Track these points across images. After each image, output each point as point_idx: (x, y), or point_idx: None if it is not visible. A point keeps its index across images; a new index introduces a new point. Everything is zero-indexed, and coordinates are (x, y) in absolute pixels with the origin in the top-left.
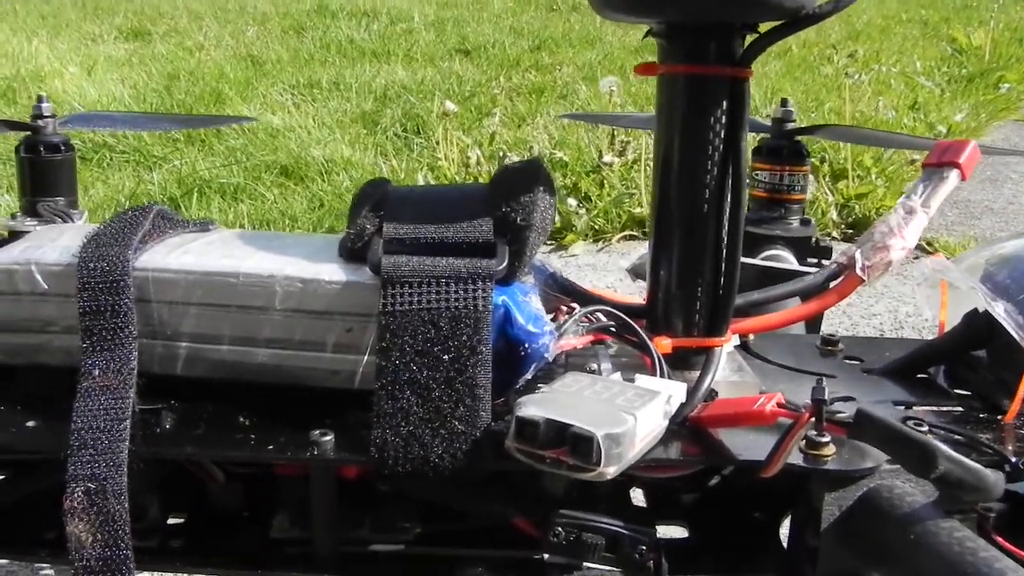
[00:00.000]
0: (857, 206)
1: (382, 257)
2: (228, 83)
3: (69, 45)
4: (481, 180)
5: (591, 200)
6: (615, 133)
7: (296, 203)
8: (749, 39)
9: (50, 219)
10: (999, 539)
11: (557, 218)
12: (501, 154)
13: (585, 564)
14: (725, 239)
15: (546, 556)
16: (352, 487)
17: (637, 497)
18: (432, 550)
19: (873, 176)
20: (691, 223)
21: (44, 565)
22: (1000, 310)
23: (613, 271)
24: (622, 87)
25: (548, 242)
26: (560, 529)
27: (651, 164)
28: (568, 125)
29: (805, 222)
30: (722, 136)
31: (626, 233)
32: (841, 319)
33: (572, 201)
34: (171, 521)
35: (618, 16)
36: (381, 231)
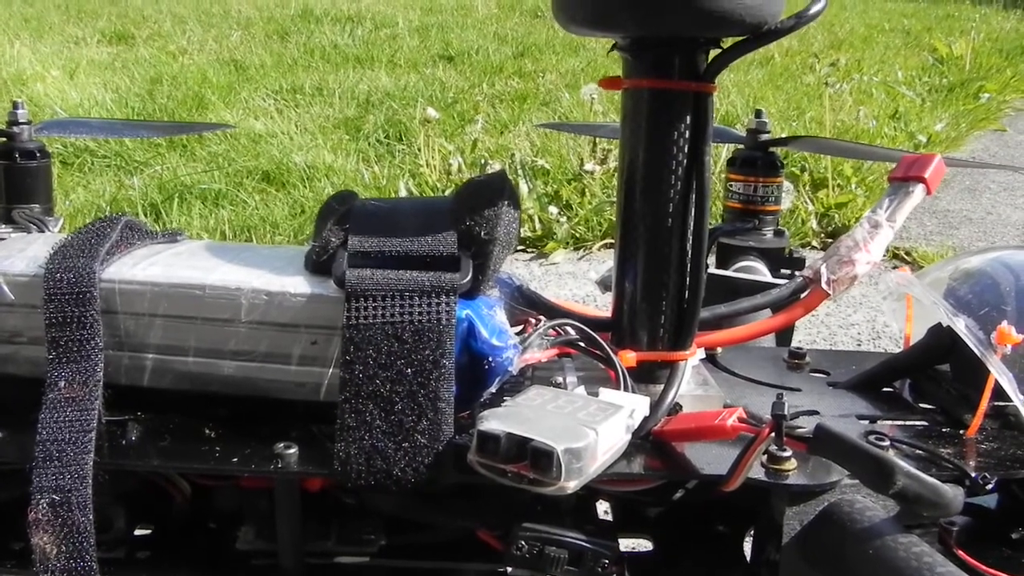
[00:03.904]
0: (837, 215)
1: (346, 270)
2: (211, 88)
3: (52, 48)
4: None
5: (572, 208)
6: (596, 141)
7: (277, 209)
8: (712, 54)
9: (25, 226)
10: (961, 553)
11: (538, 226)
12: (483, 161)
13: None
14: (689, 253)
15: (509, 569)
16: (317, 499)
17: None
18: (397, 563)
19: (853, 185)
20: (655, 237)
21: None
22: (961, 325)
23: (594, 280)
24: (603, 95)
25: (529, 250)
26: (523, 542)
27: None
28: (550, 133)
29: (779, 233)
30: (686, 150)
31: (607, 241)
32: (819, 329)
33: (553, 209)
34: (137, 532)
35: (582, 31)
36: (346, 244)
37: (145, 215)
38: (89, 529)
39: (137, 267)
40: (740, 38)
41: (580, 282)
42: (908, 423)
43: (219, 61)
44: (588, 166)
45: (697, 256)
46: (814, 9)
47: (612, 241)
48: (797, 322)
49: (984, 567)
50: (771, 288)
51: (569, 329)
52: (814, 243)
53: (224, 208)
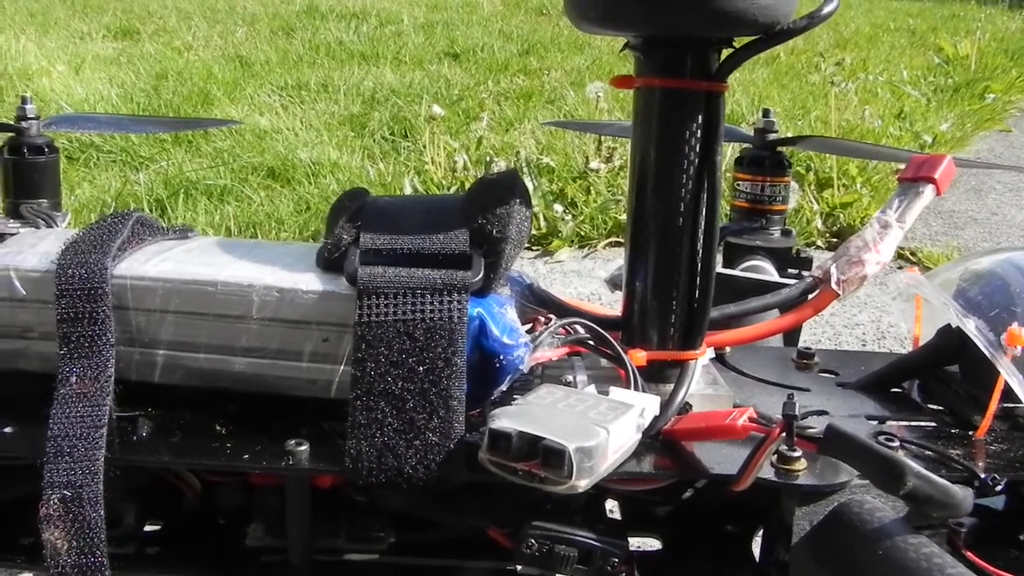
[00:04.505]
0: (842, 215)
1: (358, 268)
2: (216, 84)
3: (57, 43)
4: (467, 185)
5: (577, 206)
6: (602, 139)
7: (283, 205)
8: (724, 53)
9: (33, 221)
10: (970, 555)
11: (543, 224)
12: (488, 159)
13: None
14: (700, 252)
15: (519, 567)
16: (327, 496)
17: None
18: (406, 560)
19: (858, 185)
20: (666, 236)
21: (20, 571)
22: (971, 327)
23: (599, 278)
24: (609, 93)
25: (534, 248)
26: (533, 541)
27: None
28: (555, 130)
29: (786, 232)
30: (697, 149)
31: (612, 240)
32: (824, 329)
33: (558, 207)
34: (147, 528)
35: (595, 29)
36: (358, 241)
37: (150, 211)
38: (100, 525)
39: (149, 263)
40: (753, 38)
41: (585, 280)
42: (917, 424)
43: (224, 57)
44: (593, 164)
45: (708, 255)
46: (827, 9)
47: (617, 239)
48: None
49: (993, 568)
50: (778, 288)
51: (579, 328)
52: (819, 243)
53: (229, 204)
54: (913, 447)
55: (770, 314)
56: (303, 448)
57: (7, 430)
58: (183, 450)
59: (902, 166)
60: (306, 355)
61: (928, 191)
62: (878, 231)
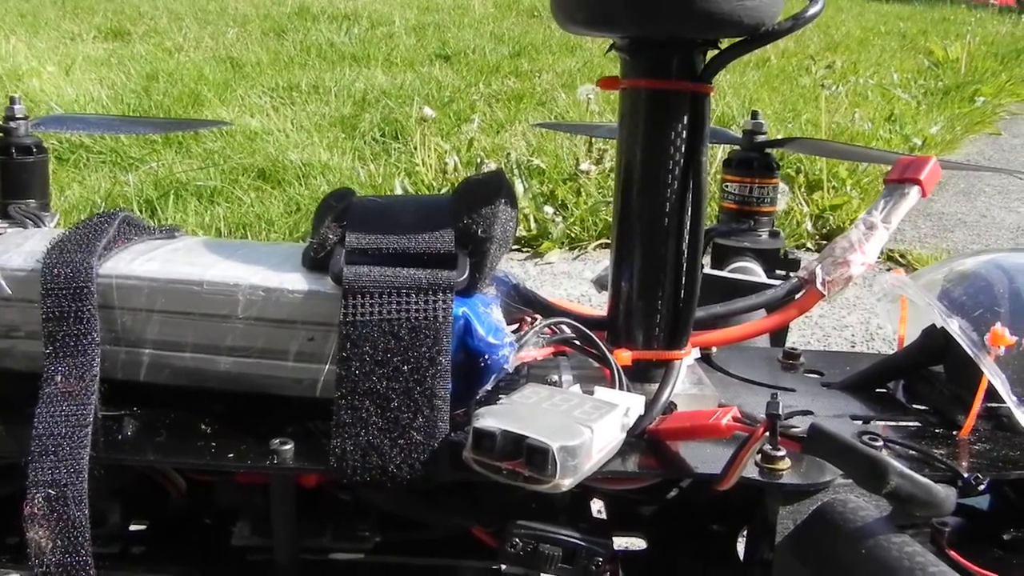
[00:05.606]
0: (832, 217)
1: (344, 267)
2: (207, 85)
3: (48, 44)
4: None
5: (568, 208)
6: (592, 141)
7: (273, 207)
8: (710, 55)
9: (21, 221)
10: (953, 554)
11: (534, 226)
12: (479, 160)
13: (542, 575)
14: (685, 252)
15: (504, 567)
16: (313, 495)
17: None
18: (392, 559)
19: (848, 187)
20: (651, 236)
21: (5, 570)
22: (955, 327)
23: (589, 279)
24: (599, 95)
25: (524, 250)
26: (517, 540)
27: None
28: (546, 132)
29: (774, 234)
30: (683, 150)
31: (602, 241)
32: (813, 330)
33: (549, 209)
34: (132, 528)
35: (581, 30)
36: (343, 241)
37: (140, 211)
38: (84, 524)
39: (135, 262)
40: (738, 39)
41: (575, 281)
42: (901, 424)
43: (215, 58)
44: (584, 166)
45: (693, 256)
46: (812, 11)
47: (607, 241)
48: (791, 323)
49: (976, 567)
50: (766, 289)
51: (565, 328)
52: (809, 245)
53: (219, 205)
54: (897, 447)
55: (756, 314)
56: (288, 447)
57: None
58: (168, 449)
59: (890, 168)
60: (291, 354)
61: (913, 192)
62: (863, 232)
